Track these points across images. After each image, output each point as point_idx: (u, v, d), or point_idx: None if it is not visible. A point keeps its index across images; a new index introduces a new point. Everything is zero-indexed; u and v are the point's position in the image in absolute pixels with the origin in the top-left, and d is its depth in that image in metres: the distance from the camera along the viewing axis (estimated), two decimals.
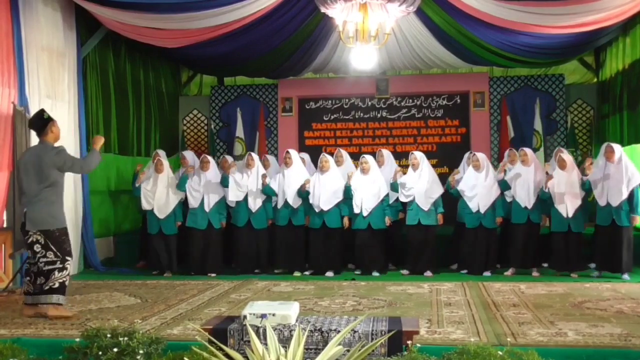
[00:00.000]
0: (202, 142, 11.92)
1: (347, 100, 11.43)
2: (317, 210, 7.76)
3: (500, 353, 3.46)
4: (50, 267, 5.24)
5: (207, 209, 7.94)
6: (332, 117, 11.45)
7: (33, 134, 6.63)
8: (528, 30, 8.36)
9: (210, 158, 8.23)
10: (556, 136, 10.78)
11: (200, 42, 8.86)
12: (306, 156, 8.87)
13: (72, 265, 5.41)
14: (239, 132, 11.29)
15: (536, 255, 7.66)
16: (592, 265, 7.60)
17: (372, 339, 3.61)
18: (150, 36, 8.67)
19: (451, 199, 8.01)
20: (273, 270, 8.02)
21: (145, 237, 8.33)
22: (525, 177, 7.59)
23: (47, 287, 5.22)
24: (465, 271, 7.73)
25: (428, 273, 7.69)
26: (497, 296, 6.08)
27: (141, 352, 3.70)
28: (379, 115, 11.35)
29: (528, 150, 7.86)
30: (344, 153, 8.60)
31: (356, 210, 7.71)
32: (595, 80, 10.92)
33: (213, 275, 7.85)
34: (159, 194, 7.93)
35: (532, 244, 7.62)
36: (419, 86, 11.25)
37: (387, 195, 7.83)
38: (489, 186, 7.64)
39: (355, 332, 3.68)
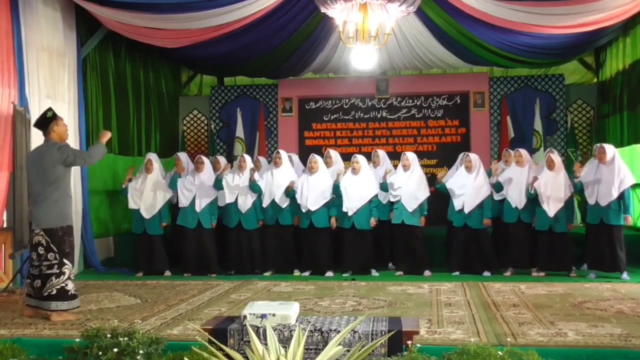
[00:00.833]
0: (202, 142, 11.92)
1: (347, 100, 11.43)
2: (304, 210, 7.77)
3: (500, 353, 3.46)
4: (49, 271, 5.22)
5: (198, 209, 7.93)
6: (332, 117, 11.45)
7: (33, 134, 6.65)
8: (528, 30, 8.36)
9: (205, 159, 8.20)
10: (556, 136, 10.78)
11: (200, 42, 8.86)
12: (294, 156, 8.86)
13: (72, 269, 5.36)
14: (239, 132, 11.29)
15: (532, 255, 7.65)
16: (584, 266, 7.61)
17: (372, 339, 3.61)
18: (150, 36, 8.68)
19: (444, 200, 8.01)
20: (266, 271, 7.99)
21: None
22: (519, 178, 7.61)
23: (45, 294, 5.20)
24: (457, 272, 7.71)
25: (427, 273, 7.70)
26: (497, 296, 6.08)
27: (141, 352, 3.70)
28: (379, 116, 11.36)
29: (523, 151, 7.87)
30: (333, 154, 8.55)
31: (344, 209, 7.72)
32: (595, 80, 10.92)
33: (213, 275, 7.85)
34: (146, 193, 7.93)
35: (525, 243, 7.62)
36: (419, 86, 11.26)
37: (376, 196, 7.84)
38: (478, 187, 7.65)
39: (355, 332, 3.68)
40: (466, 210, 7.61)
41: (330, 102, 11.48)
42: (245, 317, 3.77)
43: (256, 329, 3.61)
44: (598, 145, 7.44)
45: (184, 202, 7.98)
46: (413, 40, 9.34)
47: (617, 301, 5.75)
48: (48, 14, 7.77)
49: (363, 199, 7.71)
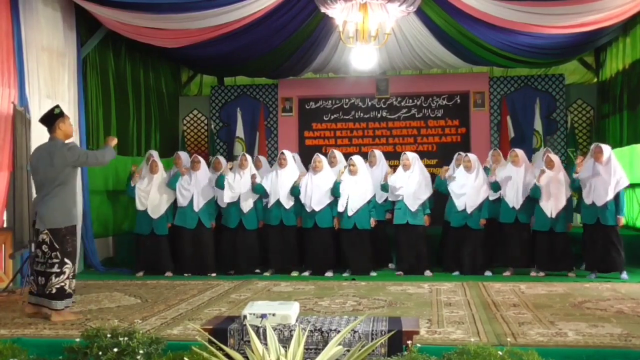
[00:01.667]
0: (202, 142, 11.92)
1: (347, 100, 11.43)
2: (308, 210, 7.77)
3: (500, 353, 3.46)
4: (50, 270, 5.22)
5: (196, 208, 7.94)
6: (332, 117, 11.45)
7: (34, 134, 6.65)
8: (528, 30, 8.36)
9: (200, 158, 8.19)
10: (556, 136, 10.78)
11: (200, 42, 8.87)
12: (297, 156, 8.86)
13: (73, 269, 5.36)
14: (239, 132, 11.28)
15: (530, 255, 7.65)
16: (582, 266, 7.61)
17: (372, 339, 3.61)
18: (150, 36, 8.68)
19: (442, 200, 8.01)
20: (267, 271, 7.99)
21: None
22: (516, 178, 7.61)
23: (47, 291, 5.22)
24: (457, 272, 7.72)
25: (428, 273, 7.70)
26: (497, 296, 6.08)
27: (141, 352, 3.69)
28: (379, 115, 11.36)
29: (519, 151, 7.87)
30: (337, 154, 8.55)
31: (340, 209, 7.72)
32: (595, 80, 10.92)
33: (213, 275, 7.85)
34: (152, 194, 7.96)
35: (522, 244, 7.62)
36: (419, 86, 11.25)
37: (374, 196, 7.84)
38: (478, 187, 7.65)
39: (355, 332, 3.68)
40: (469, 211, 7.60)
41: (330, 102, 11.48)
42: (245, 317, 3.77)
43: (256, 329, 3.61)
44: (595, 144, 7.45)
45: (182, 202, 7.98)
46: (413, 40, 9.34)
47: (617, 301, 5.75)
48: (48, 14, 7.77)
49: (363, 199, 7.71)
